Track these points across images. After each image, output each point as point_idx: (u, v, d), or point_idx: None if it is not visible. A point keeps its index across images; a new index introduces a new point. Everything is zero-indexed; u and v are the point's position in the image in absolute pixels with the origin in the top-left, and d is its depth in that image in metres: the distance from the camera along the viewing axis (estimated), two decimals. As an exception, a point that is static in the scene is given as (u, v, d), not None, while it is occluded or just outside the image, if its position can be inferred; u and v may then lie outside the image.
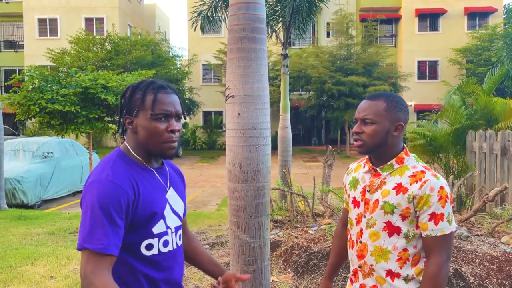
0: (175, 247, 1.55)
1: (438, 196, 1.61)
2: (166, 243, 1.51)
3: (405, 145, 1.78)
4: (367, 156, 1.82)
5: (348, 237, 1.85)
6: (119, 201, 1.36)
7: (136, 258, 1.45)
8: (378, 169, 1.74)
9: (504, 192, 5.43)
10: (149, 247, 1.46)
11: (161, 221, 1.48)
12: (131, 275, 1.45)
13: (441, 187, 1.62)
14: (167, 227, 1.51)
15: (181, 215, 1.62)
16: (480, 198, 5.14)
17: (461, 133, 7.42)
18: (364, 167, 1.82)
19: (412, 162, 1.72)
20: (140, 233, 1.44)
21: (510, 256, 3.95)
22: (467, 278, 3.66)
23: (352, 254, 1.81)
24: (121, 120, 1.53)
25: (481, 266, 3.82)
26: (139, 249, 1.45)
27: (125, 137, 1.56)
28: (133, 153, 1.50)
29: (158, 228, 1.47)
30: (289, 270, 4.23)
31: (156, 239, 1.47)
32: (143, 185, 1.44)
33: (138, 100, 1.47)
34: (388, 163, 1.72)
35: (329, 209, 5.50)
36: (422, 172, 1.66)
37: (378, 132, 1.68)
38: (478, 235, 4.55)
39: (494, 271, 3.75)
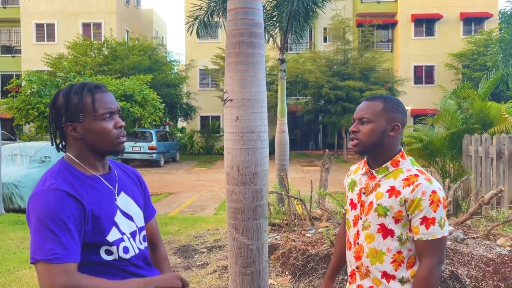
0: (137, 251, 1.49)
1: (429, 200, 1.60)
2: (126, 250, 1.44)
3: (402, 148, 1.78)
4: (365, 158, 1.84)
5: (346, 238, 1.87)
6: (68, 206, 1.29)
7: (98, 265, 1.39)
8: (373, 171, 1.76)
9: (499, 195, 5.48)
10: (108, 252, 1.40)
11: (114, 228, 1.41)
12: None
13: (433, 191, 1.61)
14: (122, 233, 1.44)
15: (137, 219, 1.54)
16: (476, 201, 5.18)
17: (457, 137, 7.48)
18: (362, 169, 1.84)
19: (407, 165, 1.73)
20: (97, 242, 1.37)
21: (506, 259, 3.99)
22: (463, 280, 3.69)
23: (350, 255, 1.83)
24: (54, 130, 1.46)
25: (477, 268, 3.85)
26: (98, 255, 1.39)
27: (65, 149, 1.49)
28: (78, 161, 1.44)
29: (112, 235, 1.41)
30: (287, 273, 4.25)
31: (115, 246, 1.41)
32: (89, 194, 1.38)
33: (77, 104, 1.40)
34: (383, 165, 1.73)
35: (326, 212, 5.53)
36: (416, 175, 1.66)
37: (374, 131, 1.70)
38: (474, 237, 4.59)
39: (489, 273, 3.78)
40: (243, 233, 2.94)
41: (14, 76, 21.16)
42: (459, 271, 3.78)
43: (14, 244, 6.17)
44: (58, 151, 1.49)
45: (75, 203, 1.31)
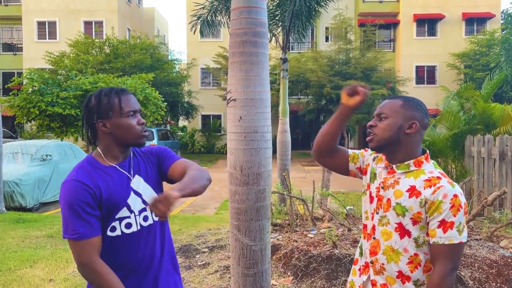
0: (139, 228, 1.72)
1: (450, 203, 1.57)
2: (128, 225, 1.70)
3: (427, 151, 1.75)
4: None
5: (363, 226, 1.85)
6: (84, 195, 1.59)
7: (104, 241, 1.66)
8: (394, 166, 1.73)
9: (502, 196, 5.45)
10: (113, 229, 1.68)
11: (125, 208, 1.68)
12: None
13: (455, 195, 1.58)
14: (131, 212, 1.70)
15: (147, 197, 1.74)
16: (479, 202, 5.15)
17: (460, 138, 7.45)
18: (382, 162, 1.81)
19: (430, 167, 1.70)
20: (106, 220, 1.66)
21: (509, 260, 3.96)
22: (467, 282, 3.67)
23: (365, 246, 1.80)
24: (86, 126, 1.74)
25: (480, 270, 3.83)
26: (105, 232, 1.66)
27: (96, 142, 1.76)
28: (102, 155, 1.72)
29: (121, 214, 1.68)
30: (289, 273, 4.23)
31: (118, 222, 1.68)
32: (105, 182, 1.66)
33: (106, 104, 1.69)
34: (406, 162, 1.70)
35: (328, 212, 5.51)
36: (438, 178, 1.63)
37: (390, 126, 1.69)
38: (477, 239, 4.57)
39: (493, 275, 3.76)
40: (246, 234, 2.92)
41: (16, 74, 21.14)
42: (462, 273, 3.76)
43: (15, 242, 6.16)
44: (90, 145, 1.82)
45: (90, 192, 1.60)
